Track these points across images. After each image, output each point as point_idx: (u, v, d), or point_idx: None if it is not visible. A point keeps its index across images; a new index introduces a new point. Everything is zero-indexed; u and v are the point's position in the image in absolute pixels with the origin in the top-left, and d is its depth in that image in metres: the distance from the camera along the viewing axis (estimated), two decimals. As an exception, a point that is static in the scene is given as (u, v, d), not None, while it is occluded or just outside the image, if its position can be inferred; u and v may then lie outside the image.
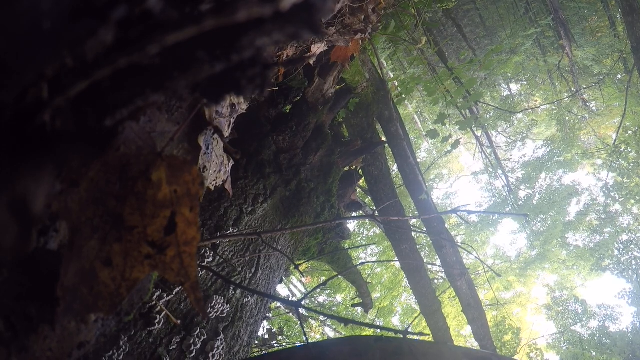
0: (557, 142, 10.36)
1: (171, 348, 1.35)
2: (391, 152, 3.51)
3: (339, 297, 8.76)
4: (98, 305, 0.45)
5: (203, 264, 1.49)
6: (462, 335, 10.28)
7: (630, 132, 9.06)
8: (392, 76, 6.42)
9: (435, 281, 8.11)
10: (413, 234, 3.85)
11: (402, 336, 0.74)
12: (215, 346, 1.49)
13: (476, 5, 8.78)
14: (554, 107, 9.80)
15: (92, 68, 0.32)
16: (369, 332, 6.77)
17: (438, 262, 4.91)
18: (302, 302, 0.82)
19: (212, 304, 1.56)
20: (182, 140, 0.66)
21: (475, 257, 1.97)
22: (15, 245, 0.36)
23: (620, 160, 9.05)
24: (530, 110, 10.11)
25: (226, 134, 0.93)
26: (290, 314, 6.91)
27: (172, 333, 1.37)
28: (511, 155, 11.70)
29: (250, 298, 1.77)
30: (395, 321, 9.60)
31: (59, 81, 0.32)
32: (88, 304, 0.44)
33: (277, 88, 2.10)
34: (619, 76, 9.06)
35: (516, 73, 10.33)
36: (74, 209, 0.42)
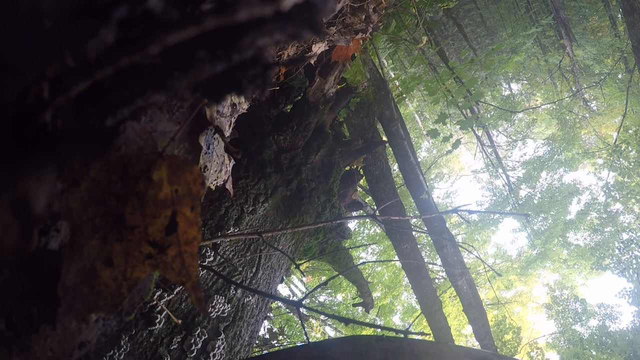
0: (557, 141, 10.34)
1: (172, 347, 1.35)
2: (392, 152, 3.51)
3: (339, 297, 8.76)
4: (99, 304, 0.45)
5: (204, 264, 1.49)
6: (463, 334, 10.29)
7: (630, 131, 9.05)
8: (393, 76, 6.42)
9: (436, 280, 8.12)
10: (414, 233, 3.85)
11: (403, 336, 0.74)
12: (216, 346, 1.49)
13: (477, 5, 8.77)
14: (554, 107, 9.78)
15: (94, 68, 0.32)
16: (369, 331, 6.77)
17: (439, 262, 4.92)
18: (303, 302, 0.82)
19: (213, 304, 1.56)
20: (183, 139, 0.66)
21: (476, 256, 1.97)
22: (16, 244, 0.36)
23: (621, 159, 9.04)
24: (531, 110, 10.10)
25: (227, 133, 0.93)
26: (291, 314, 6.92)
27: (173, 332, 1.37)
28: (512, 154, 11.69)
29: (251, 297, 1.77)
30: (396, 320, 9.61)
31: (60, 81, 0.32)
32: (89, 304, 0.44)
33: (278, 87, 2.10)
34: (620, 75, 9.05)
35: (517, 72, 10.33)
36: (75, 209, 0.42)
